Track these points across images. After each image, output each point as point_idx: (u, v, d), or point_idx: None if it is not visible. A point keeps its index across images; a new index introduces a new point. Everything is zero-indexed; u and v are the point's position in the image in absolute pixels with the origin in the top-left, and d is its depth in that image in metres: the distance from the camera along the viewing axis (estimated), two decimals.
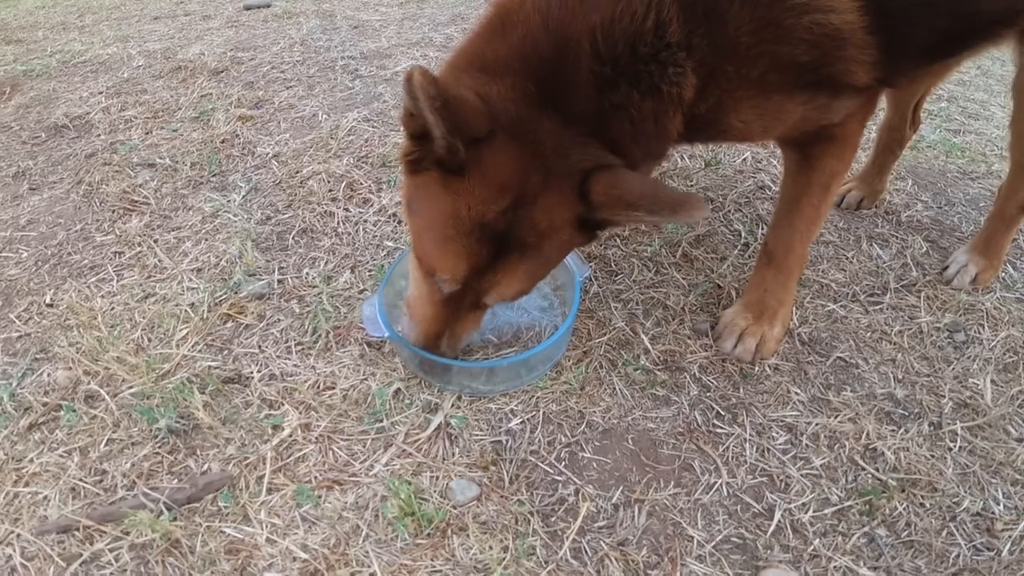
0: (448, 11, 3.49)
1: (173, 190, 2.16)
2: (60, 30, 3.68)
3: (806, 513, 1.28)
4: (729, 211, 2.03)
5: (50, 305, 1.75)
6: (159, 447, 1.36)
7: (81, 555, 1.20)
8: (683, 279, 1.76)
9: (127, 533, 1.22)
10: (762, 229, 1.96)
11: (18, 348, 1.62)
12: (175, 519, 1.25)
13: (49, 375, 1.53)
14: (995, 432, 1.43)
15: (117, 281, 1.80)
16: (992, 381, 1.54)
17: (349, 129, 2.39)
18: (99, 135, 2.52)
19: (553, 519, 1.28)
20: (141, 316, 1.67)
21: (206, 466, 1.33)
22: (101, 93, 2.82)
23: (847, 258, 1.89)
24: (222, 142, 2.37)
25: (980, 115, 2.65)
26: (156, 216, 2.05)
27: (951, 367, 1.58)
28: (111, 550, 1.20)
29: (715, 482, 1.34)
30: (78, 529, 1.23)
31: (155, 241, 1.92)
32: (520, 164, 1.14)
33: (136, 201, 2.12)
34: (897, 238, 1.99)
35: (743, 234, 1.94)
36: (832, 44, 1.13)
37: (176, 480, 1.31)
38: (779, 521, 1.27)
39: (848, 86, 1.22)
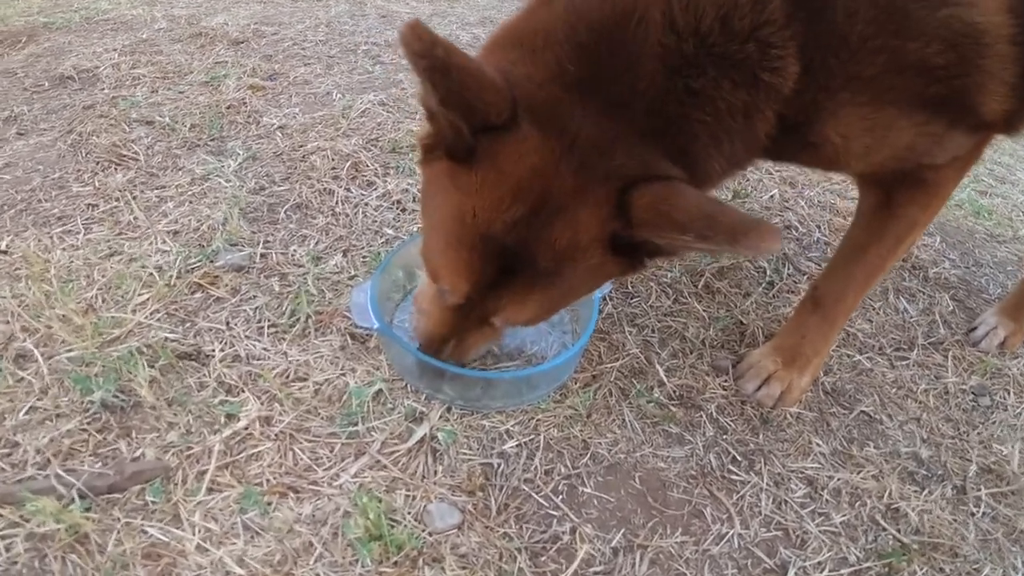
0: (478, 12, 3.29)
1: (166, 149, 1.91)
2: None
3: (821, 572, 1.10)
4: None
5: (4, 252, 1.48)
6: (88, 423, 1.10)
7: None
8: (703, 311, 1.53)
9: (26, 520, 0.95)
10: (788, 269, 1.74)
11: None
12: (88, 510, 0.98)
13: None
14: (1019, 499, 1.28)
15: (83, 235, 1.54)
16: (1019, 449, 1.37)
17: (363, 111, 2.15)
18: (103, 89, 2.26)
19: (543, 559, 1.04)
20: (100, 274, 1.40)
21: (139, 452, 1.07)
22: (115, 50, 2.57)
23: (874, 308, 1.68)
24: (228, 107, 2.12)
25: (1007, 179, 2.47)
26: (142, 173, 1.79)
27: (976, 431, 1.40)
28: (2, 537, 0.94)
29: (727, 532, 1.12)
30: None
31: (134, 198, 1.67)
32: (544, 162, 0.86)
33: (124, 156, 1.87)
34: (924, 294, 1.78)
35: (768, 272, 1.71)
36: (972, 48, 0.87)
37: (100, 464, 1.04)
38: None
39: (972, 114, 0.95)
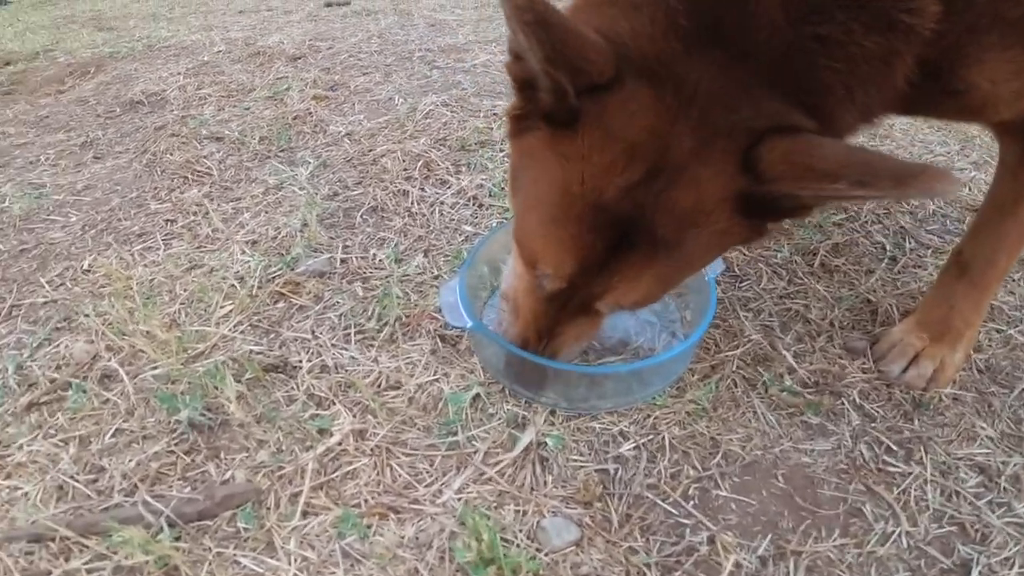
0: None
1: (238, 162, 1.86)
2: (150, 20, 3.50)
3: (1011, 569, 0.92)
4: (867, 222, 1.61)
5: (87, 271, 1.44)
6: (175, 444, 1.01)
7: (50, 573, 0.85)
8: (824, 291, 1.35)
9: (114, 552, 0.87)
10: (910, 243, 1.54)
11: (40, 315, 1.31)
12: (178, 539, 0.89)
13: (66, 347, 1.21)
14: None
15: (164, 250, 1.48)
16: None
17: (427, 112, 2.06)
18: (172, 110, 2.25)
19: (678, 573, 0.89)
20: (183, 288, 1.34)
21: (229, 474, 0.97)
22: (180, 74, 2.57)
23: (1013, 280, 1.46)
24: (294, 119, 2.07)
25: None
26: (216, 187, 1.74)
27: None
28: (89, 571, 0.85)
29: (892, 531, 0.95)
30: (53, 539, 0.88)
31: (211, 210, 1.61)
32: (659, 119, 0.75)
33: (199, 171, 1.82)
34: None
35: (888, 247, 1.51)
36: None
37: (189, 488, 0.95)
38: None
39: None
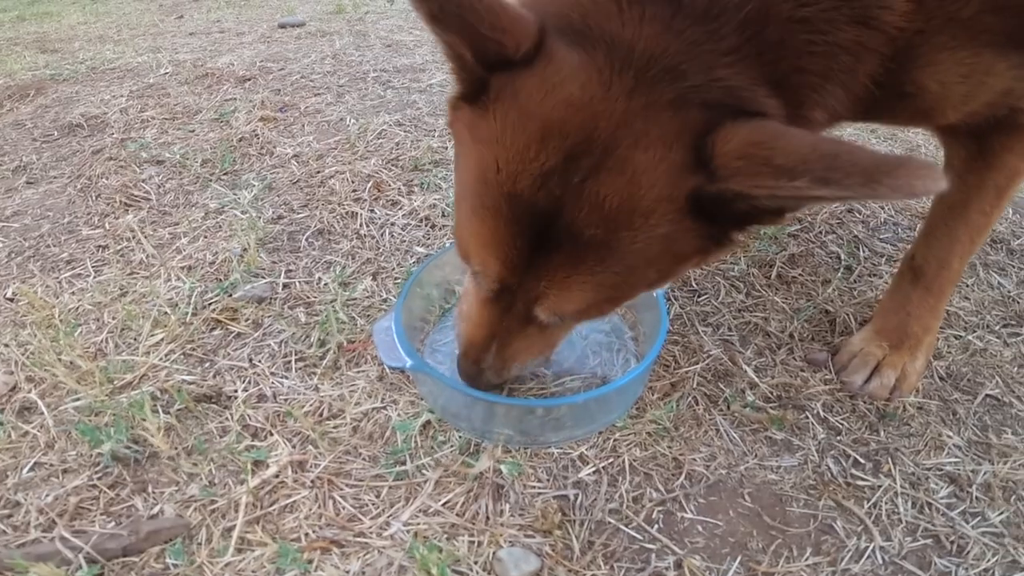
0: None
1: (178, 186, 1.79)
2: (97, 42, 3.40)
3: None
4: (821, 232, 1.62)
5: (10, 299, 1.36)
6: (97, 478, 0.94)
7: None
8: (782, 303, 1.34)
9: None
10: (864, 252, 1.55)
11: None
12: (99, 575, 0.82)
13: None
14: None
15: (93, 277, 1.41)
16: None
17: (379, 132, 2.03)
18: (112, 134, 2.17)
19: None
20: (111, 316, 1.27)
21: (157, 508, 0.91)
22: (123, 96, 2.50)
23: (967, 285, 1.49)
24: (239, 141, 2.01)
25: None
26: (154, 211, 1.67)
27: None
28: None
29: (866, 547, 0.93)
30: None
31: (146, 236, 1.54)
32: (585, 90, 0.67)
33: (136, 196, 1.75)
34: (1014, 267, 1.59)
35: (843, 256, 1.53)
36: None
37: (112, 523, 0.89)
38: None
39: None
